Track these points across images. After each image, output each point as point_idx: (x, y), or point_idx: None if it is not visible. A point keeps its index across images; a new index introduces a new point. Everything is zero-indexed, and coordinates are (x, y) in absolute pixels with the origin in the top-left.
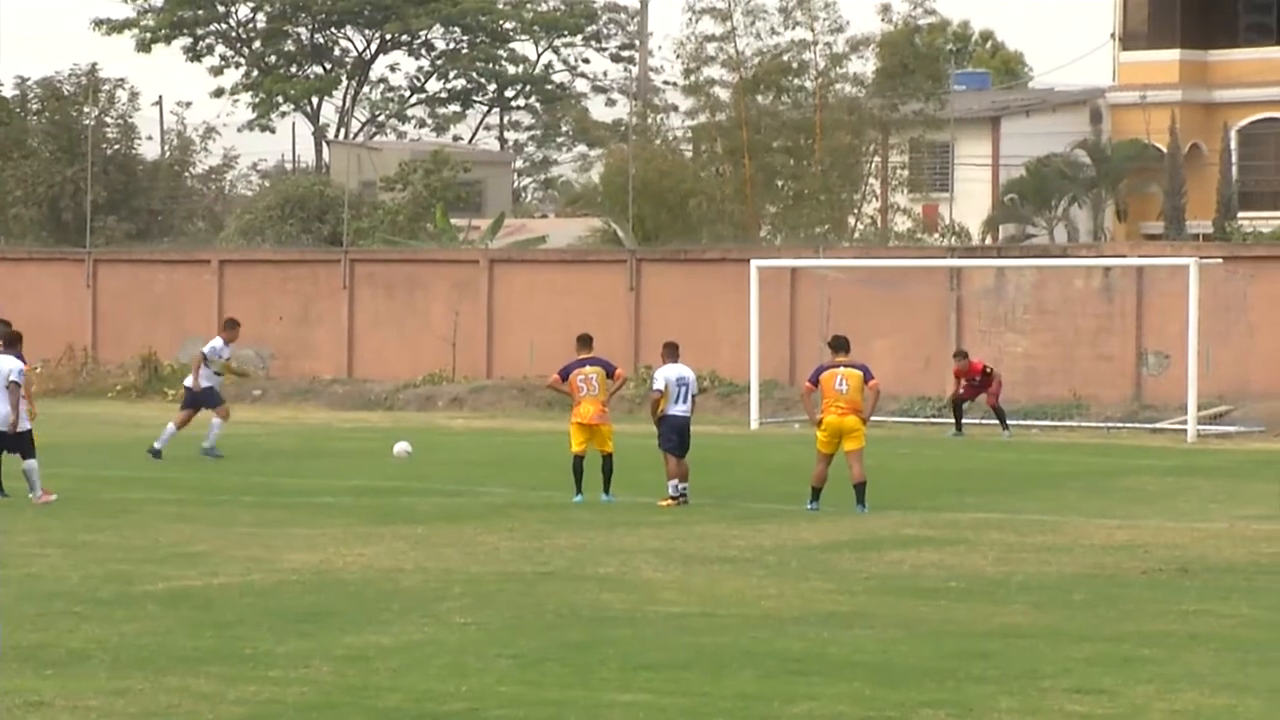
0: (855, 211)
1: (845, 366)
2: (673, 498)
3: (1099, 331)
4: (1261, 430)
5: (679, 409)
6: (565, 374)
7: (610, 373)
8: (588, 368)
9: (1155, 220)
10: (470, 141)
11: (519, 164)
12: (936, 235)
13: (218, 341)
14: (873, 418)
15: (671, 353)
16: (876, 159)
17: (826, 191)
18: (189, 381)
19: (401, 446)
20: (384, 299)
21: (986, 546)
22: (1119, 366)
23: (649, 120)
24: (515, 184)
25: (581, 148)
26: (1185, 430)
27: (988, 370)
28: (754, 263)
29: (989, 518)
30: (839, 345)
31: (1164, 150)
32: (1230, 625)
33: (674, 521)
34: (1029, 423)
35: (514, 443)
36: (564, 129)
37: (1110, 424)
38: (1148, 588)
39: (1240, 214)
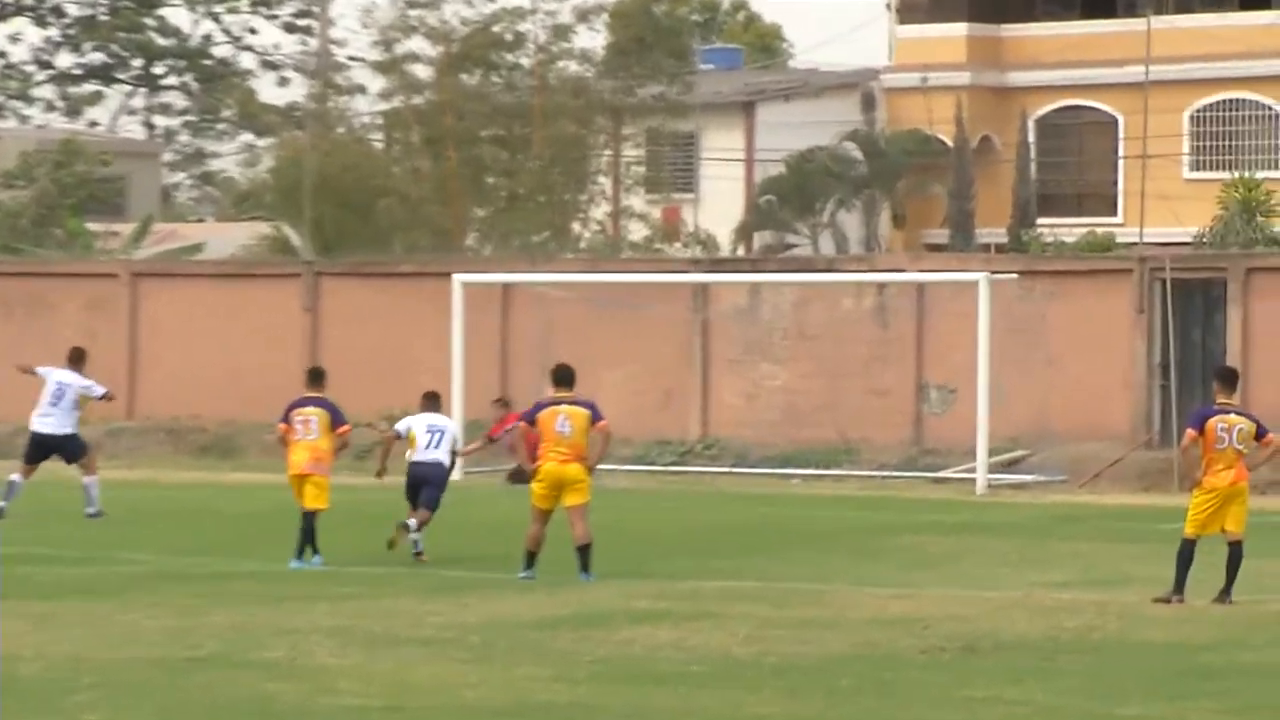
0: (581, 216)
1: (569, 404)
2: (402, 526)
3: (872, 361)
4: (1063, 480)
5: (425, 455)
6: (285, 414)
7: (337, 421)
8: (309, 408)
9: (939, 227)
10: (110, 128)
11: (169, 156)
12: (679, 245)
13: None
14: (601, 465)
15: (426, 404)
16: (608, 153)
17: (546, 191)
18: None
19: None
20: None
21: (735, 621)
22: (895, 403)
23: (330, 103)
24: (165, 180)
25: (247, 136)
26: (974, 479)
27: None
28: (458, 278)
29: (739, 586)
30: (562, 378)
31: (949, 143)
32: (1024, 715)
33: (356, 595)
34: (788, 471)
35: (160, 498)
36: (226, 114)
37: (885, 472)
38: (927, 670)
39: (1040, 220)
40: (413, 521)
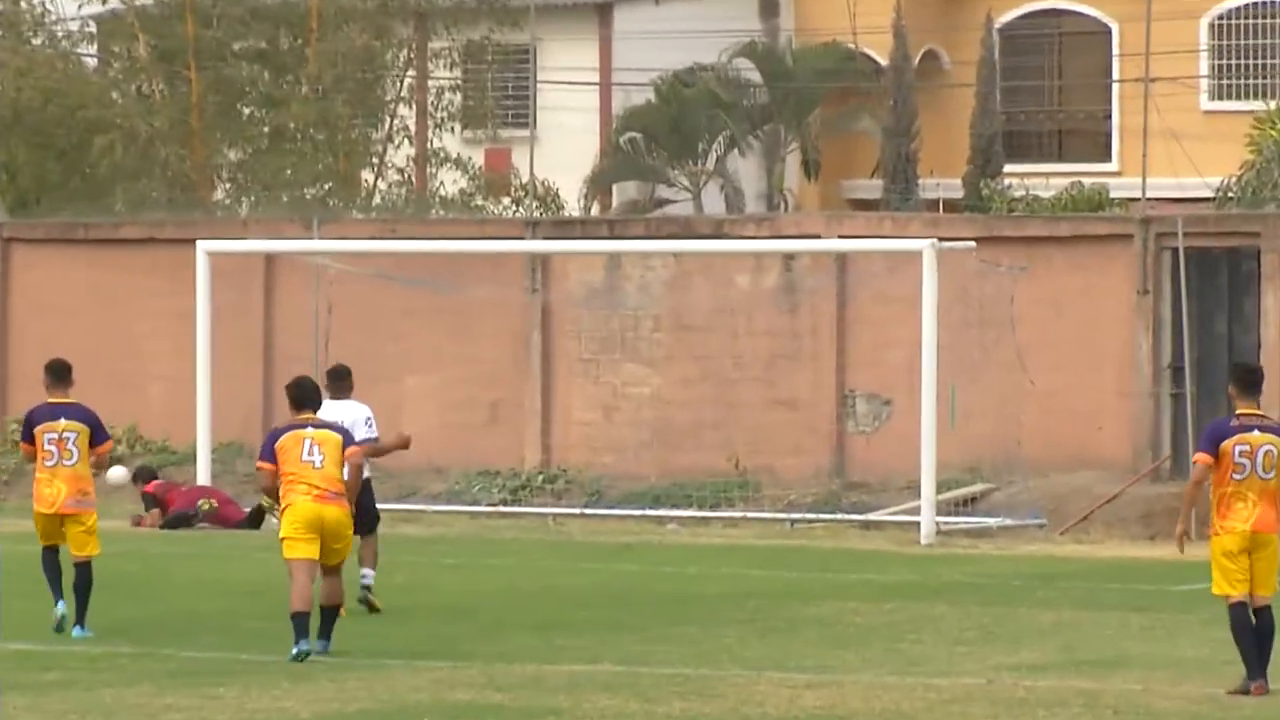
0: (374, 162)
1: (315, 426)
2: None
3: (775, 361)
4: (1040, 524)
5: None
6: (27, 430)
7: (98, 437)
8: (62, 420)
9: (868, 177)
10: None
11: None
12: (508, 201)
13: None
14: (394, 505)
15: (335, 384)
16: (410, 74)
17: (326, 127)
18: None
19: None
20: None
21: None
22: (809, 418)
23: (25, 6)
24: None
25: None
26: (917, 524)
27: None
28: (203, 245)
29: (595, 671)
30: (302, 394)
31: (881, 61)
32: None
33: (69, 681)
34: (662, 513)
35: None
36: None
37: (796, 514)
38: None
39: (1006, 168)
40: (367, 576)
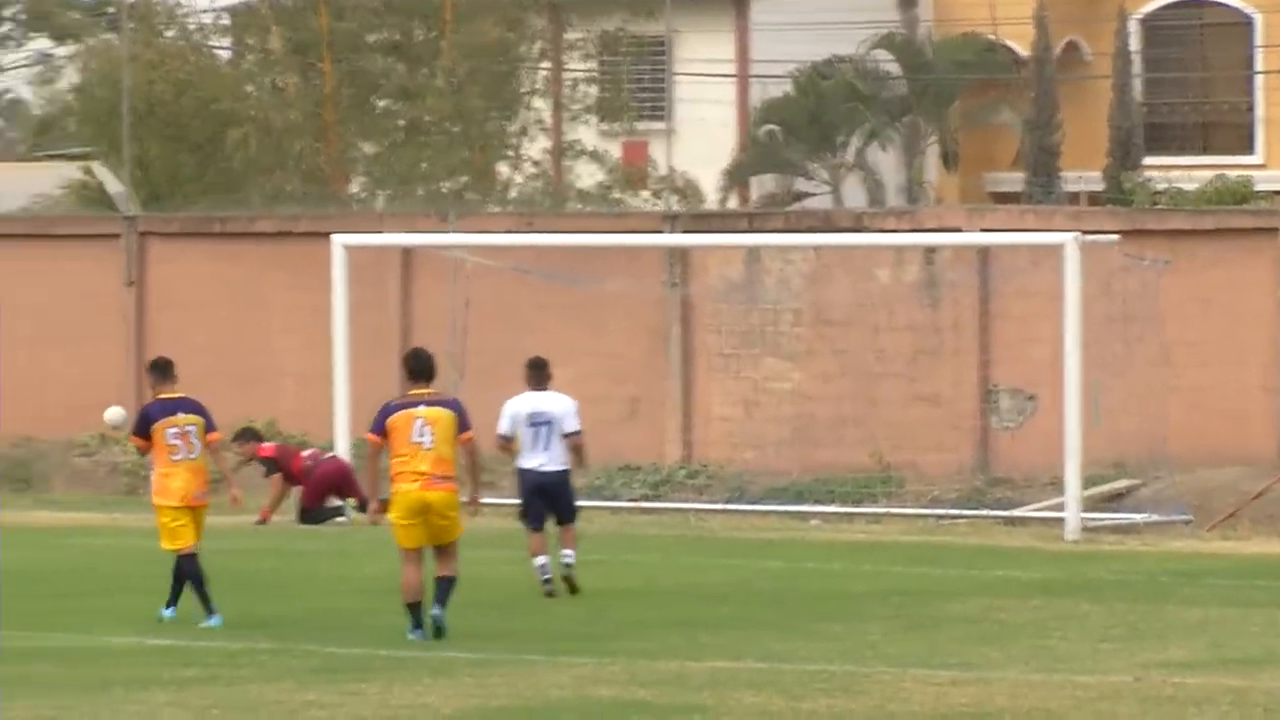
0: (511, 155)
1: (428, 404)
2: (544, 580)
3: (917, 356)
4: (1187, 520)
5: (535, 460)
6: (145, 427)
7: (209, 428)
8: (181, 414)
9: (1008, 169)
10: None
11: None
12: (646, 195)
13: None
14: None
15: (531, 374)
16: (546, 66)
17: (461, 120)
18: None
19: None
20: None
21: (735, 717)
22: (951, 414)
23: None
24: None
25: (41, 43)
26: (1062, 520)
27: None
28: (338, 239)
29: (738, 669)
30: (419, 369)
31: (1021, 53)
32: None
33: (207, 678)
34: (804, 509)
35: None
36: (9, 11)
37: (939, 510)
38: None
39: (1147, 160)
40: (569, 555)
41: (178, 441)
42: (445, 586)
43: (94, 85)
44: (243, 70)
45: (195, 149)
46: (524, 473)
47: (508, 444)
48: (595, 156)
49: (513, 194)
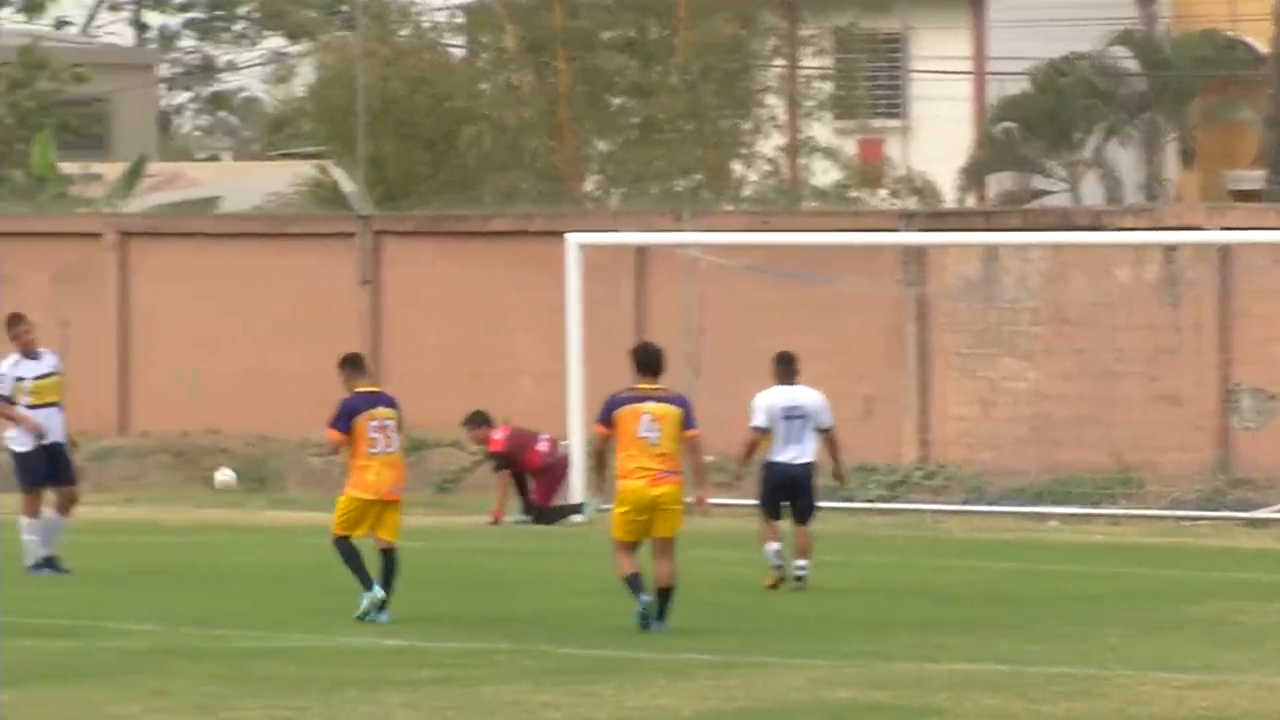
0: (744, 152)
1: (655, 400)
2: (775, 567)
3: (1157, 356)
4: None
5: (787, 454)
6: (346, 420)
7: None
8: (380, 408)
9: (1248, 167)
10: (85, 31)
11: (168, 69)
12: (883, 193)
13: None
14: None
15: (781, 368)
16: (780, 63)
17: (695, 118)
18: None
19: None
20: None
21: None
22: (1192, 414)
23: None
24: (164, 103)
25: (276, 41)
26: None
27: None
28: (573, 238)
29: (976, 671)
30: (647, 361)
31: (1261, 50)
32: None
33: (441, 678)
34: (1042, 509)
35: (165, 545)
36: (245, 9)
37: (1179, 511)
38: None
39: None
40: (804, 565)
41: (377, 435)
42: (665, 600)
43: (328, 83)
44: (477, 68)
45: (429, 147)
46: (772, 465)
47: (759, 438)
48: (830, 154)
49: (747, 192)
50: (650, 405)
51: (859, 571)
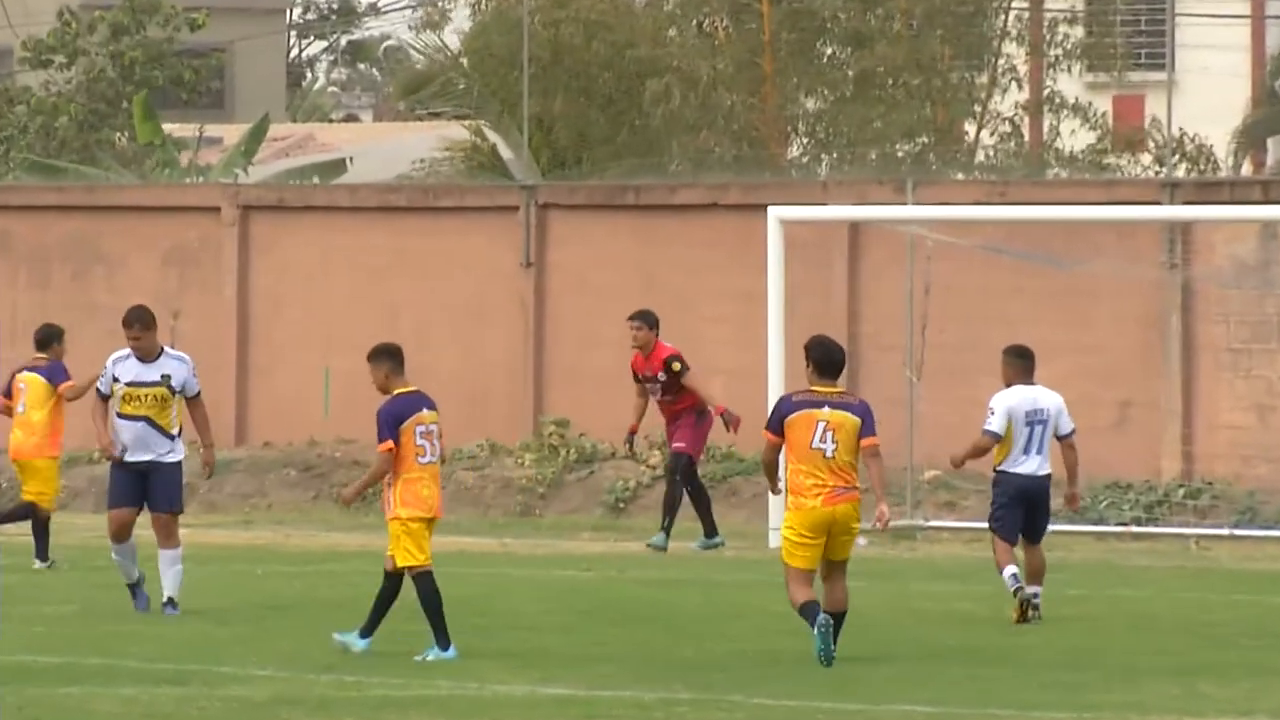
0: (977, 112)
1: (832, 405)
2: (1016, 590)
3: None
4: None
5: (1029, 464)
6: (394, 427)
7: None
8: (425, 411)
9: None
10: None
11: (299, 14)
12: (1143, 159)
13: None
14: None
15: (1021, 365)
16: (1020, 5)
17: (919, 70)
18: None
19: None
20: (30, 284)
21: None
22: None
23: None
24: (292, 54)
25: None
26: None
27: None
28: (776, 212)
29: None
30: (827, 360)
31: None
32: None
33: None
34: None
35: (287, 575)
36: None
37: None
38: None
39: None
40: (1036, 591)
41: (424, 442)
42: (837, 624)
43: (487, 29)
44: (664, 12)
45: (606, 105)
46: (1010, 477)
47: (992, 444)
48: (1079, 112)
49: (981, 158)
50: (827, 412)
51: (1109, 606)
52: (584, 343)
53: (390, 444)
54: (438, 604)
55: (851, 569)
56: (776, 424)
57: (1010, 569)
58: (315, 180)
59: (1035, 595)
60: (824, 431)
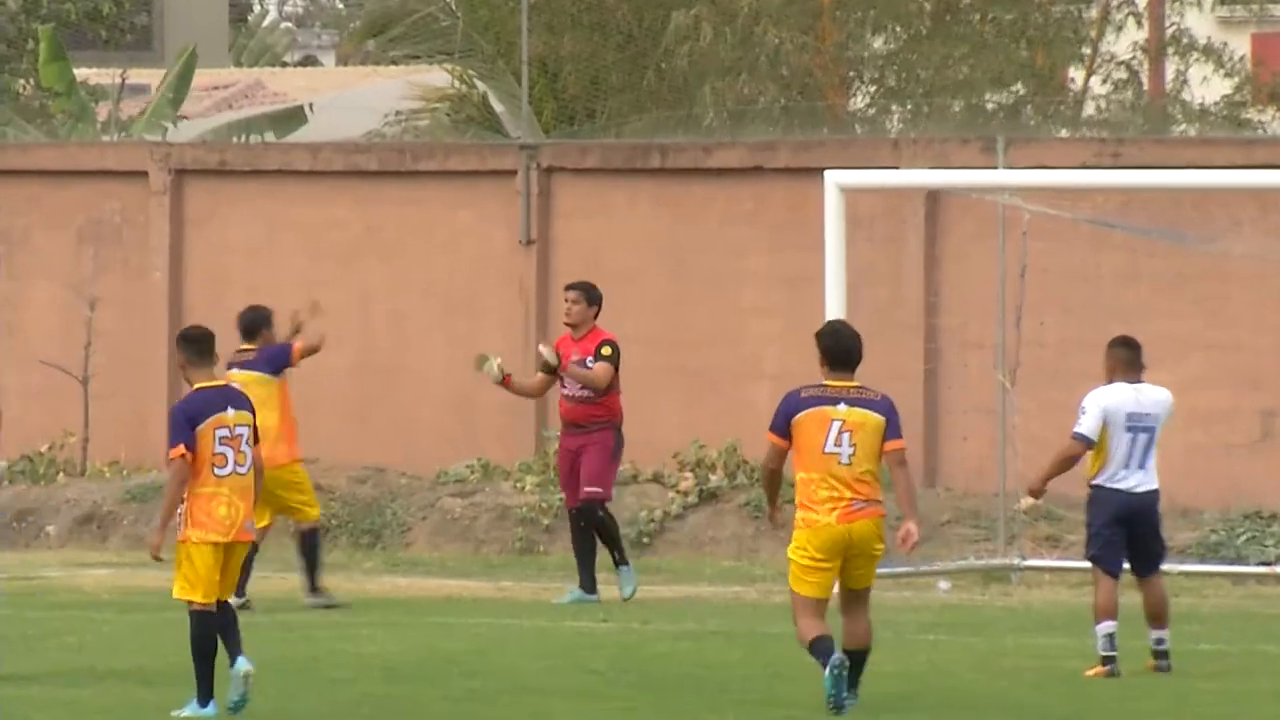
0: (1085, 55)
1: (850, 402)
2: (1105, 658)
3: None
4: None
5: (1131, 479)
6: (188, 429)
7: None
8: (231, 410)
9: None
10: None
11: None
12: None
13: None
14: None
15: (1125, 356)
16: None
17: (1014, 4)
18: None
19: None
20: None
21: None
22: None
23: None
24: None
25: None
26: None
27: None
28: (833, 177)
29: None
30: (840, 349)
31: None
32: None
33: None
34: None
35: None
36: None
37: None
38: None
39: None
40: (1162, 636)
41: (225, 449)
42: (858, 665)
43: None
44: None
45: (624, 44)
46: (1108, 493)
47: (1081, 451)
48: (1213, 55)
49: (1090, 111)
50: (843, 410)
51: (1249, 664)
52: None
53: (181, 450)
54: (209, 650)
55: (932, 619)
56: (782, 424)
57: (1106, 625)
58: (266, 137)
59: (1160, 642)
60: (839, 433)
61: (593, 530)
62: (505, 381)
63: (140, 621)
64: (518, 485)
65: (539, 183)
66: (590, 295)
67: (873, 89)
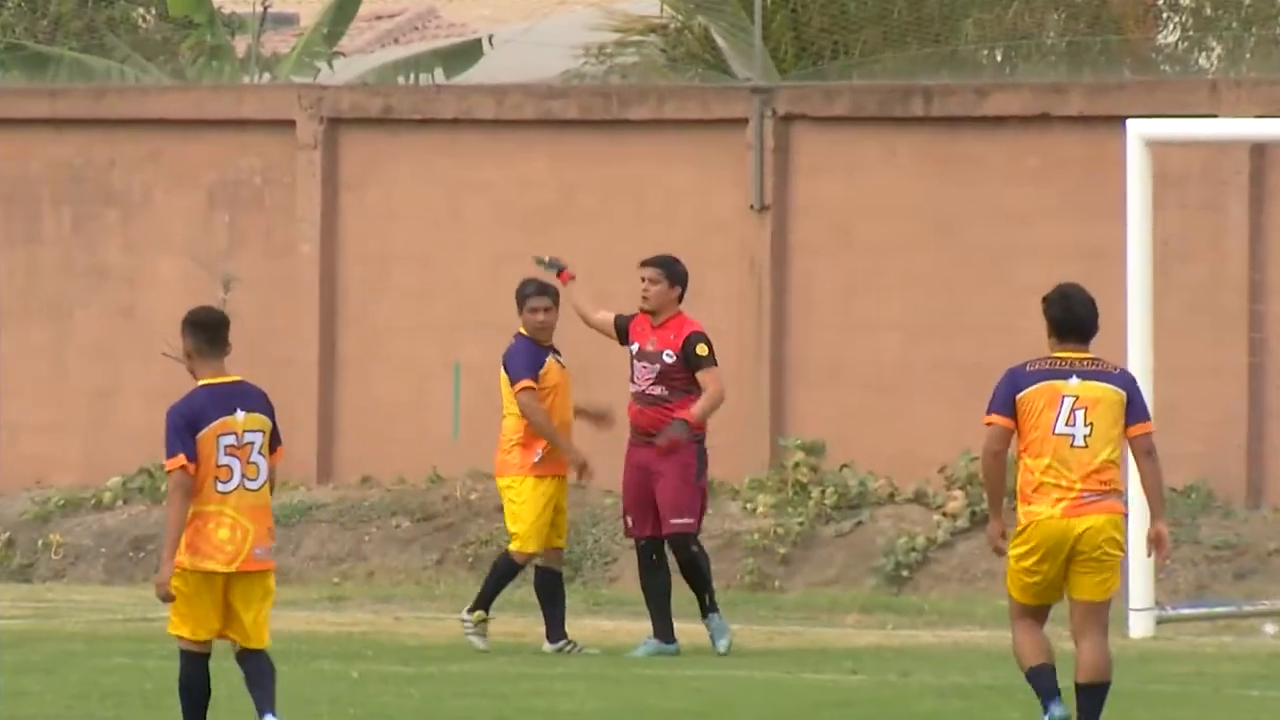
0: None
1: (1083, 375)
2: None
3: None
4: None
5: None
6: (184, 436)
7: None
8: (236, 415)
9: None
10: None
11: None
12: None
13: None
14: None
15: None
16: None
17: None
18: None
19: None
20: (7, 237)
21: None
22: None
23: None
24: None
25: None
26: None
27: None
28: (1137, 129)
29: None
30: (1070, 317)
31: None
32: None
33: None
34: None
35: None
36: None
37: None
38: None
39: None
40: None
41: (231, 460)
42: (1095, 707)
43: None
44: None
45: None
46: None
47: None
48: None
49: None
50: (1075, 384)
51: None
52: (846, 325)
53: (182, 460)
54: (196, 698)
55: (1258, 671)
56: (1005, 401)
57: None
58: (436, 77)
59: None
60: (1071, 411)
61: (664, 568)
62: (562, 277)
63: (286, 673)
64: (748, 506)
65: (775, 134)
66: (672, 273)
67: (1184, 20)
